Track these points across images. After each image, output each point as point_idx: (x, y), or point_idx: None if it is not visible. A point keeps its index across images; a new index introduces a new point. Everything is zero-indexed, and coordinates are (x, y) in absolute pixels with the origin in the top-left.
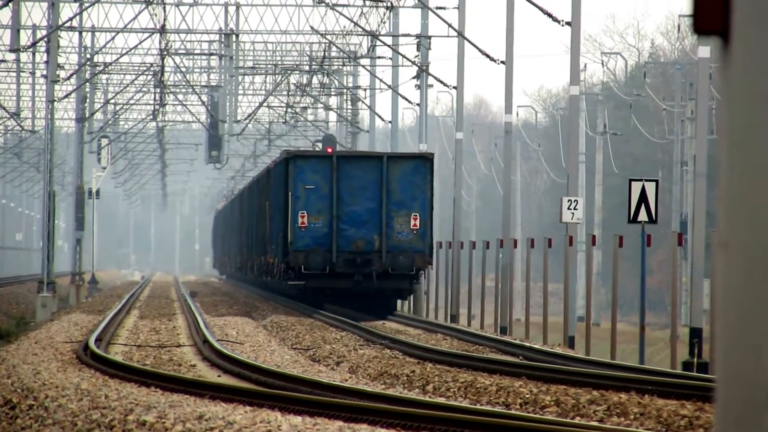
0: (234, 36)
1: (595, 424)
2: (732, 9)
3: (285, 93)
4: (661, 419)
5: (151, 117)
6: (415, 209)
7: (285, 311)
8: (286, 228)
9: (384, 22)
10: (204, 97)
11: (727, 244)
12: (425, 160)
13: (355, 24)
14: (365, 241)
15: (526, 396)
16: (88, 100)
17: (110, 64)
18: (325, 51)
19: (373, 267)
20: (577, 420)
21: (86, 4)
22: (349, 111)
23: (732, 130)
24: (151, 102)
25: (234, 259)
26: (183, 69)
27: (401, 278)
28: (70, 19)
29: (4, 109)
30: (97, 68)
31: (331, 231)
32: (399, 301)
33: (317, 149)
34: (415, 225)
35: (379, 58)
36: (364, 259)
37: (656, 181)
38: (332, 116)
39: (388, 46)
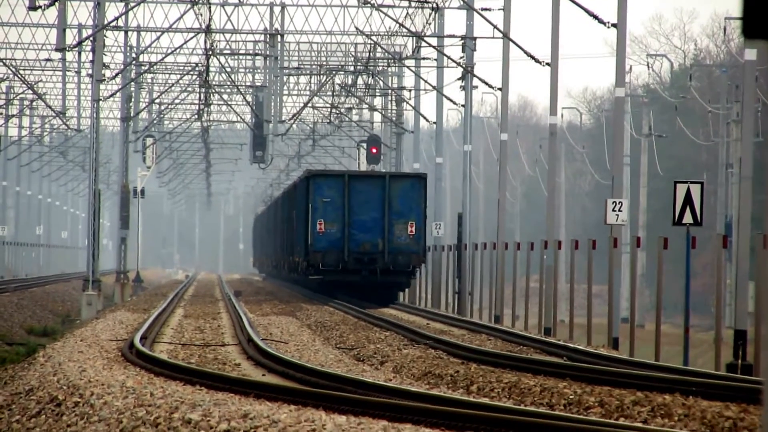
0: (279, 36)
1: (639, 425)
2: None
3: (330, 93)
4: (705, 421)
5: (196, 117)
6: (412, 218)
7: (330, 312)
8: (307, 233)
9: (429, 23)
10: (249, 97)
11: None
12: (420, 179)
13: (401, 25)
14: (371, 244)
15: (570, 397)
16: (133, 100)
17: (155, 63)
18: (370, 52)
19: (378, 265)
20: (621, 421)
21: (132, 4)
22: (394, 112)
23: None
24: (196, 102)
25: (270, 259)
26: (228, 69)
27: (400, 274)
28: (116, 18)
29: (50, 107)
30: (143, 68)
31: (344, 236)
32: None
33: (362, 149)
34: (411, 231)
35: (424, 59)
36: (370, 259)
37: (701, 184)
38: (377, 117)
39: (433, 47)
